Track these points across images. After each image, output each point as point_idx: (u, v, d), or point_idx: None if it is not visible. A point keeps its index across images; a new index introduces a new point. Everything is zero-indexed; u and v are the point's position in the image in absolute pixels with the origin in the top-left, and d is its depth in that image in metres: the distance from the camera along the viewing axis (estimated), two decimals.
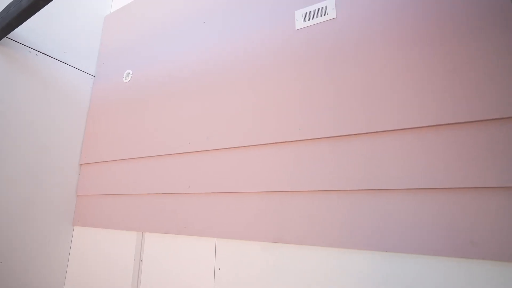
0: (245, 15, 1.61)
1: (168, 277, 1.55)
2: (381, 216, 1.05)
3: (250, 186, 1.35)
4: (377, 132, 1.11)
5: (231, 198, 1.41)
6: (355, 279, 1.06)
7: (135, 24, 2.21)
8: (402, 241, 0.99)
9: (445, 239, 0.94)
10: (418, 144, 1.04)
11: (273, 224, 1.26)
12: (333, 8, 1.32)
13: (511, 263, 0.86)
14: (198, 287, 1.43)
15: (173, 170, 1.65)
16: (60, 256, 1.96)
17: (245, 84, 1.50)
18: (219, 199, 1.45)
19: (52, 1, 1.41)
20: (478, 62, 0.99)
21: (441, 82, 1.03)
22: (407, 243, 0.99)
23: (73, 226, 2.06)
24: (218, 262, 1.40)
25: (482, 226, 0.90)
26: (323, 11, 1.35)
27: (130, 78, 2.06)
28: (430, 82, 1.05)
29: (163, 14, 2.05)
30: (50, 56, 2.02)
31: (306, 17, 1.39)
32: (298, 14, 1.42)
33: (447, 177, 0.96)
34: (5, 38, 1.75)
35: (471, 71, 0.99)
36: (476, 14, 1.02)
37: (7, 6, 1.54)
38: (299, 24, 1.40)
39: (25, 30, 1.87)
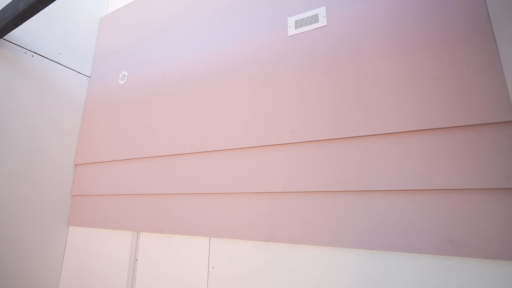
0: (240, 21, 1.66)
1: (163, 276, 1.59)
2: (368, 216, 1.10)
3: (244, 187, 1.39)
4: (364, 136, 1.16)
5: (225, 199, 1.45)
6: (344, 275, 1.12)
7: (131, 26, 2.23)
8: (388, 240, 1.05)
9: (430, 238, 1.00)
10: (403, 148, 1.09)
11: (265, 224, 1.30)
12: (324, 16, 1.37)
13: (489, 260, 0.92)
14: (192, 285, 1.47)
15: (168, 171, 1.68)
16: (54, 256, 1.98)
17: (239, 87, 1.54)
18: (213, 199, 1.49)
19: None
20: (466, 70, 1.05)
21: (426, 88, 1.09)
22: (393, 242, 1.04)
23: (68, 226, 2.08)
24: (212, 260, 1.44)
25: (462, 225, 0.96)
26: (315, 18, 1.40)
27: (126, 79, 2.08)
28: (416, 88, 1.11)
29: (159, 16, 2.07)
30: (45, 57, 2.03)
31: (298, 24, 1.44)
32: (291, 21, 1.47)
33: (431, 180, 1.02)
34: (0, 39, 1.76)
35: (460, 78, 1.05)
36: (461, 25, 1.08)
37: (3, 8, 1.56)
38: (292, 30, 1.45)
39: (21, 31, 1.88)
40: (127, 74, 2.09)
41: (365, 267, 1.09)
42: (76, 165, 2.16)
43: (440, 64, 1.08)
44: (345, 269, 1.12)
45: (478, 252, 0.93)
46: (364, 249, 1.09)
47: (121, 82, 2.10)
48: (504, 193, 0.93)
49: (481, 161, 0.96)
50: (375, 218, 1.09)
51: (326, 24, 1.36)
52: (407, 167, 1.06)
